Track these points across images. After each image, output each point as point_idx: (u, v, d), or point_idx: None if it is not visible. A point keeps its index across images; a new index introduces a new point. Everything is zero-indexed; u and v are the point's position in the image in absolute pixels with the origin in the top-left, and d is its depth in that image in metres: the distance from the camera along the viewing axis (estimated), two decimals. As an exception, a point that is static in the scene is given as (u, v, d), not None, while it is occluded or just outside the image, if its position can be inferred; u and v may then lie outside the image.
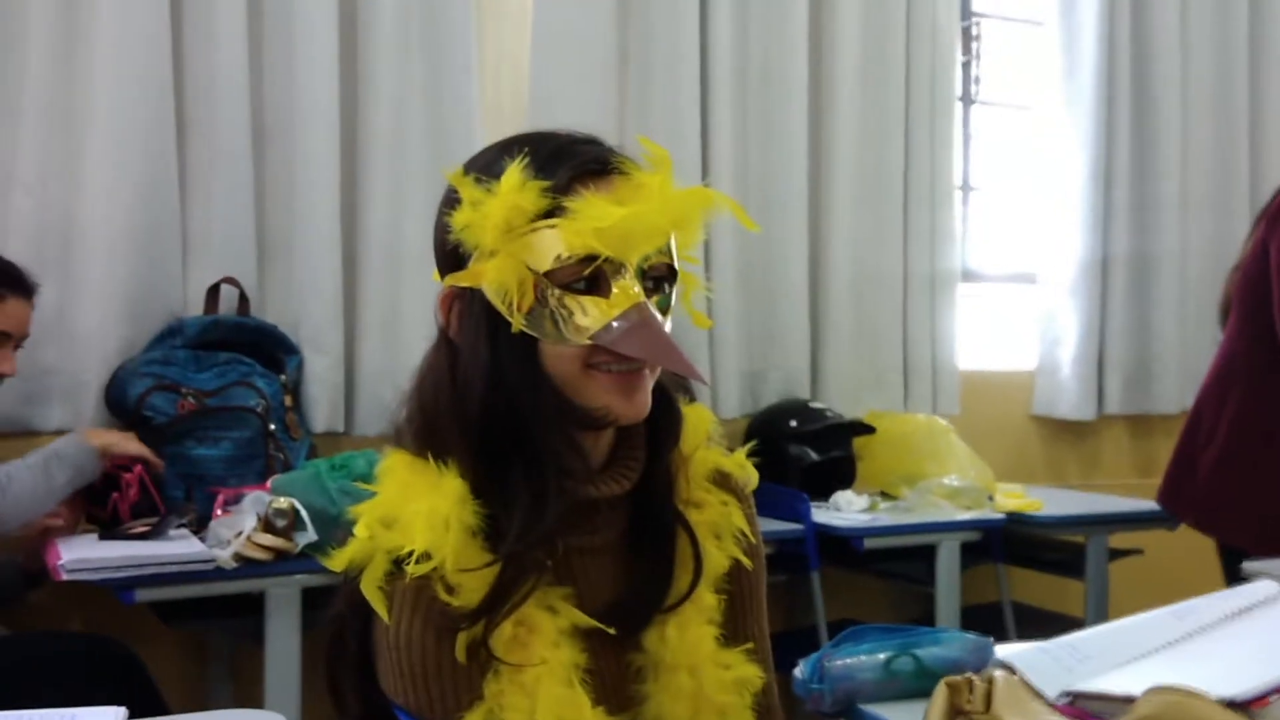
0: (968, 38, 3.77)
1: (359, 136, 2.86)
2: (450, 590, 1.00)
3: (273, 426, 2.61)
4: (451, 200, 1.06)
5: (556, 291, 1.02)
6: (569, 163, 1.04)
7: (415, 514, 1.01)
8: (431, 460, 1.03)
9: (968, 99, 3.78)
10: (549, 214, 1.01)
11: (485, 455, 1.03)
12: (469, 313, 1.05)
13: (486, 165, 1.06)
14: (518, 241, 1.01)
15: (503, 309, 1.02)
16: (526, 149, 1.04)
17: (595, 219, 1.00)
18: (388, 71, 2.85)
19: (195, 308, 2.69)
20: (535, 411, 1.03)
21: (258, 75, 2.76)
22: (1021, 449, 3.67)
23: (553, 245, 1.01)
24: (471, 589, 1.00)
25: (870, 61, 3.40)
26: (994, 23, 3.87)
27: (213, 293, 2.69)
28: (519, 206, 1.01)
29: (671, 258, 1.06)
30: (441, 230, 1.06)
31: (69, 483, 2.22)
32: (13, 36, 2.55)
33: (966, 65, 3.77)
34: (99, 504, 2.33)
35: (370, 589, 1.02)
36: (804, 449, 3.05)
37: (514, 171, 1.02)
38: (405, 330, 2.86)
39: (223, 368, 2.61)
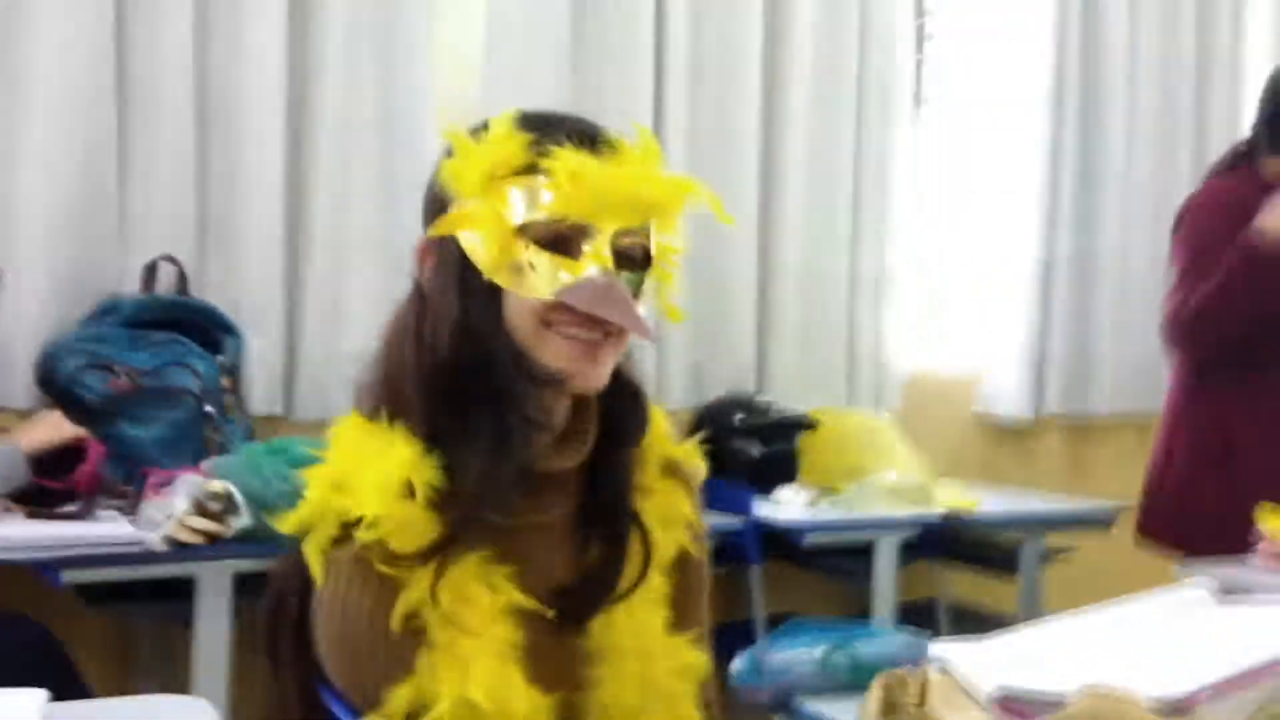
0: (920, 36, 3.79)
1: (306, 118, 2.82)
2: (392, 559, 0.99)
3: (209, 408, 2.56)
4: (442, 158, 1.08)
5: (530, 245, 1.03)
6: (558, 128, 1.06)
7: (365, 478, 1.01)
8: (384, 422, 1.03)
9: (919, 99, 3.80)
10: (532, 169, 1.03)
11: (446, 407, 1.03)
12: (443, 261, 1.06)
13: (482, 125, 1.08)
14: (498, 191, 1.03)
15: (476, 257, 1.03)
16: (523, 114, 1.06)
17: (575, 176, 1.02)
18: (337, 53, 2.81)
19: (132, 286, 2.64)
20: (499, 361, 1.04)
21: (203, 52, 2.70)
22: (962, 448, 3.71)
23: (531, 198, 1.03)
24: (414, 556, 0.99)
25: (823, 58, 3.41)
26: (946, 22, 3.89)
27: (150, 271, 2.64)
28: (503, 156, 1.03)
29: (648, 241, 1.07)
30: (430, 184, 1.09)
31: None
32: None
33: (918, 65, 3.79)
34: (60, 475, 2.25)
35: (313, 553, 1.02)
36: (748, 443, 3.05)
37: (503, 122, 1.04)
38: (349, 315, 2.83)
39: (159, 347, 2.56)
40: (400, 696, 0.98)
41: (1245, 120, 3.81)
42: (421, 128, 2.89)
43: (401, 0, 2.88)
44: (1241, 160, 2.52)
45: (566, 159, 1.02)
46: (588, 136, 1.06)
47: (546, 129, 1.05)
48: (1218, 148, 3.43)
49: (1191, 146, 3.92)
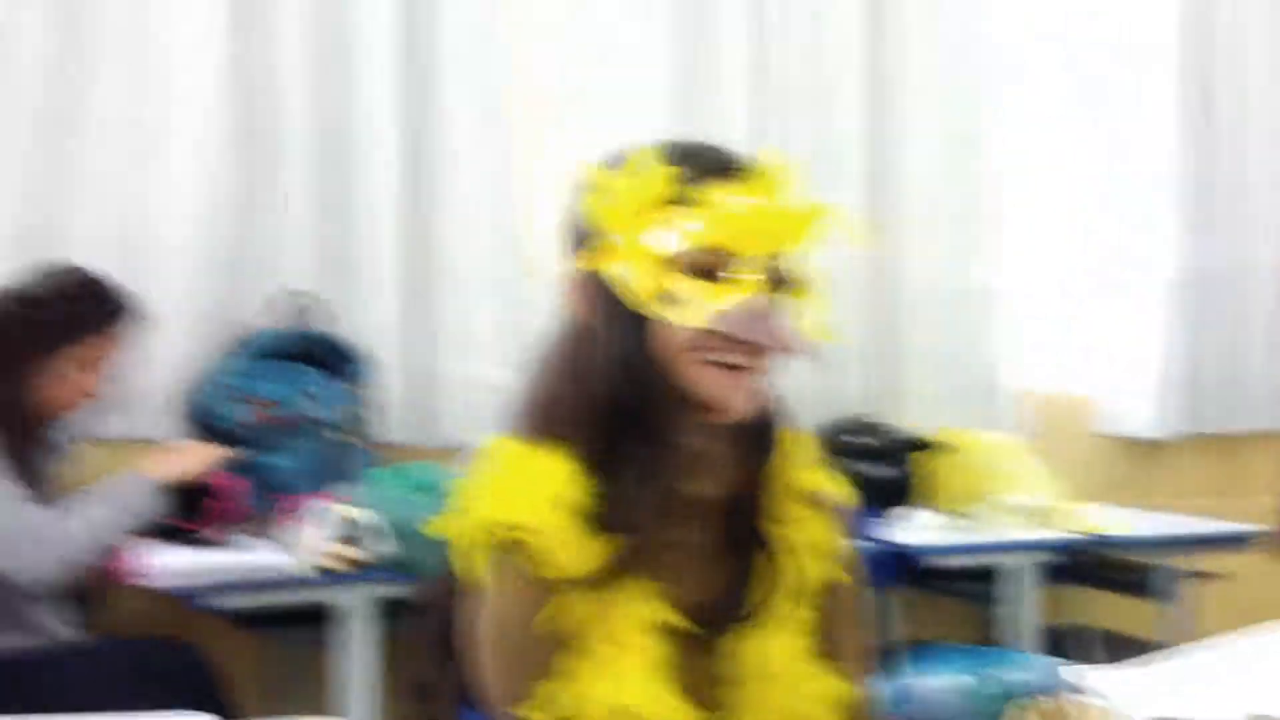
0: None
1: (425, 145, 2.89)
2: (554, 567, 1.02)
3: (342, 437, 2.63)
4: (579, 191, 1.11)
5: (678, 275, 1.05)
6: (701, 157, 1.09)
7: (522, 490, 1.04)
8: (541, 444, 1.06)
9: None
10: (678, 201, 1.05)
11: (601, 436, 1.06)
12: (594, 295, 1.09)
13: (619, 158, 1.10)
14: (645, 225, 1.06)
15: (625, 289, 1.06)
16: (657, 147, 1.09)
17: (723, 206, 1.04)
18: (454, 80, 2.88)
19: (264, 319, 2.72)
20: (653, 392, 1.06)
21: (320, 83, 2.80)
22: (1095, 468, 3.60)
23: (680, 230, 1.05)
24: (570, 566, 1.02)
25: (932, 67, 3.35)
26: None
27: (282, 304, 2.72)
28: (649, 191, 1.06)
29: (788, 266, 1.09)
30: (571, 217, 1.12)
31: (136, 528, 2.17)
32: (85, 47, 2.62)
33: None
34: (191, 515, 2.31)
35: (475, 558, 1.05)
36: (872, 465, 3.02)
37: (646, 155, 1.07)
38: (476, 343, 2.88)
39: (293, 378, 2.64)
40: (551, 697, 1.01)
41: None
42: (536, 145, 2.94)
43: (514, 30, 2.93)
44: None
45: (712, 189, 1.05)
46: (728, 165, 1.08)
47: (688, 160, 1.08)
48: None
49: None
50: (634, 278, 1.06)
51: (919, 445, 3.12)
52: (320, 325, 2.77)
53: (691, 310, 1.05)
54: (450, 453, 2.72)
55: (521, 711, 1.01)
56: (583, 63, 3.05)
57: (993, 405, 3.43)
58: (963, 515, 2.95)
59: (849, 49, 3.27)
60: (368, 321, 2.82)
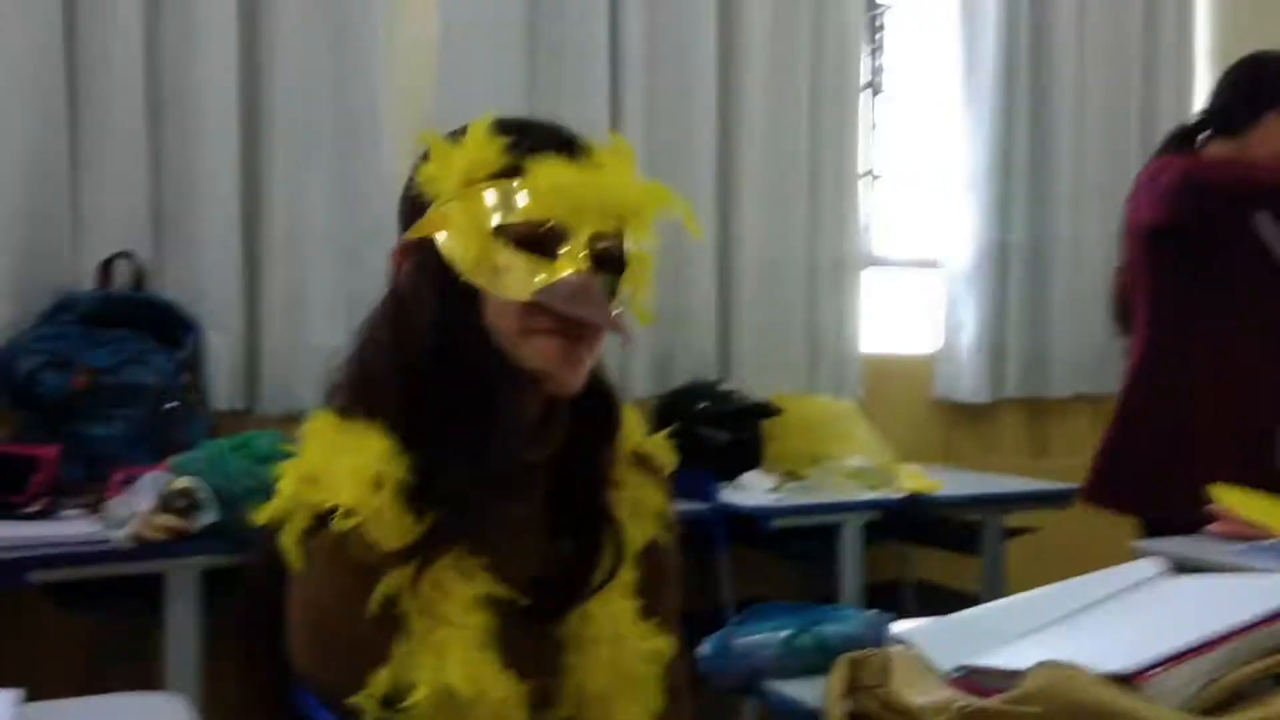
0: (873, 28, 3.82)
1: (261, 112, 2.81)
2: (369, 548, 1.00)
3: (170, 405, 2.54)
4: (418, 161, 1.10)
5: (507, 247, 1.04)
6: (538, 131, 1.08)
7: (340, 470, 1.02)
8: (359, 419, 1.04)
9: (873, 88, 3.83)
10: (509, 172, 1.05)
11: (422, 407, 1.04)
12: (421, 264, 1.08)
13: (460, 130, 1.09)
14: (475, 194, 1.05)
15: (453, 258, 1.05)
16: (500, 120, 1.08)
17: (553, 180, 1.04)
18: (291, 46, 2.81)
19: (88, 283, 2.62)
20: (478, 362, 1.05)
21: (154, 47, 2.69)
22: (922, 431, 3.75)
23: (508, 201, 1.04)
24: (392, 546, 1.00)
25: (778, 49, 3.44)
26: (899, 13, 3.93)
27: (106, 267, 2.62)
28: (481, 159, 1.05)
29: (621, 246, 1.08)
30: (407, 187, 1.10)
31: None
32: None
33: (872, 55, 3.82)
34: (15, 489, 2.22)
35: (289, 543, 1.02)
36: (713, 430, 3.08)
37: (481, 126, 1.06)
38: (310, 309, 2.83)
39: (117, 344, 2.54)
40: (377, 683, 0.99)
41: (1194, 105, 3.90)
42: (376, 121, 2.89)
43: (355, -2, 2.87)
44: (1187, 143, 2.57)
45: (545, 163, 1.04)
46: (564, 141, 1.08)
47: (523, 133, 1.07)
48: (1165, 133, 3.49)
49: (1138, 134, 3.97)
50: (461, 248, 1.05)
51: (760, 410, 3.19)
52: (151, 290, 2.67)
53: (516, 283, 1.04)
54: (285, 421, 2.67)
55: (350, 699, 0.99)
56: (440, 34, 2.99)
57: (829, 370, 3.54)
58: (797, 477, 3.04)
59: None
60: (201, 286, 2.73)
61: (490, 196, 1.05)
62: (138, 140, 2.66)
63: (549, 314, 1.05)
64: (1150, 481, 2.48)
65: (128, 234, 2.65)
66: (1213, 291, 2.44)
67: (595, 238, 1.06)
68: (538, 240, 1.05)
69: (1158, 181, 2.45)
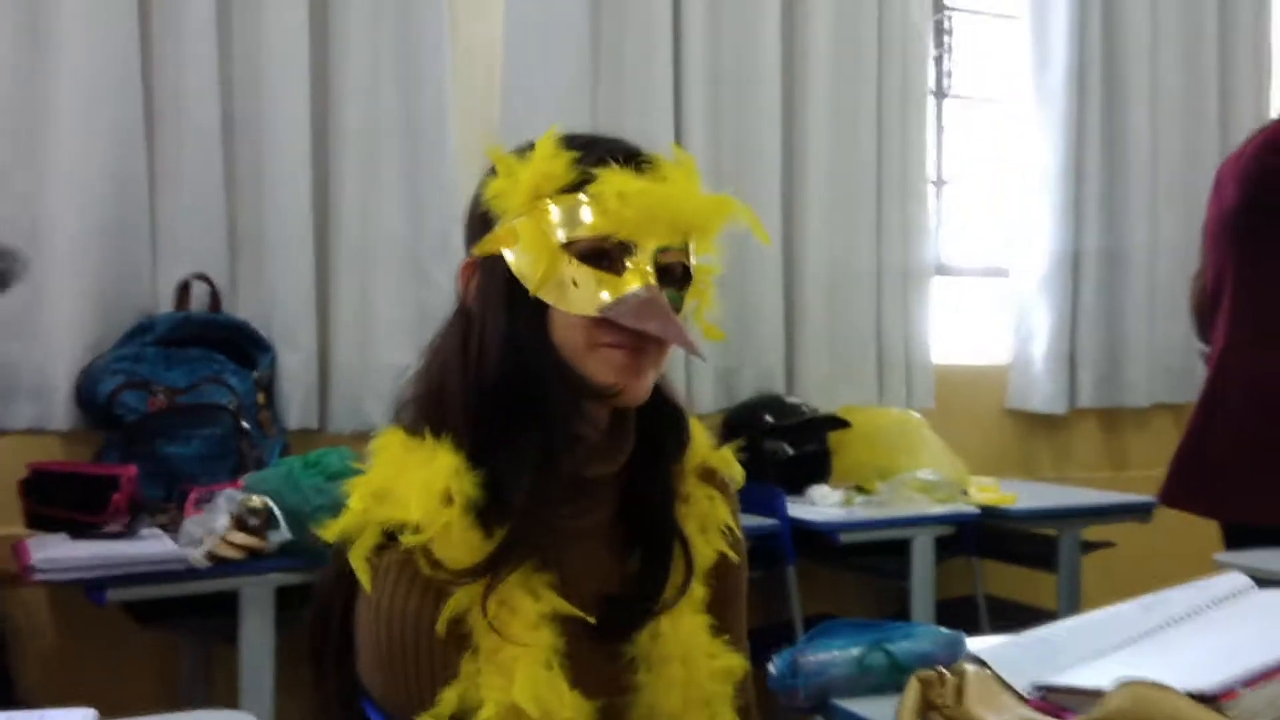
0: (940, 31, 3.78)
1: (330, 129, 2.84)
2: (437, 565, 1.00)
3: (245, 424, 2.59)
4: (485, 177, 1.10)
5: (574, 262, 1.05)
6: (603, 146, 1.08)
7: (409, 487, 1.02)
8: (428, 436, 1.05)
9: (940, 93, 3.79)
10: (577, 187, 1.05)
11: (491, 422, 1.05)
12: (489, 279, 1.08)
13: (527, 145, 1.10)
14: (543, 209, 1.06)
15: (522, 274, 1.05)
16: (565, 136, 1.09)
17: (620, 194, 1.04)
18: (359, 64, 2.84)
19: (166, 304, 2.67)
20: (546, 377, 1.05)
21: (227, 68, 2.73)
22: (995, 442, 3.69)
23: (576, 216, 1.05)
24: (461, 562, 1.01)
25: (843, 55, 3.41)
26: (966, 17, 3.89)
27: (183, 289, 2.67)
28: (549, 174, 1.06)
29: (687, 259, 1.09)
30: (474, 203, 1.11)
31: None
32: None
33: (939, 59, 3.78)
34: (96, 508, 2.27)
35: (358, 560, 1.03)
36: (779, 444, 3.06)
37: (548, 141, 1.07)
38: (379, 326, 2.85)
39: (194, 365, 2.59)
40: (446, 701, 1.00)
41: (1273, 103, 3.79)
42: (444, 134, 2.91)
43: (421, 7, 2.90)
44: None
45: (611, 177, 1.04)
46: (630, 155, 1.08)
47: (590, 147, 1.08)
48: (1242, 135, 3.41)
49: (1216, 136, 3.89)
50: (529, 263, 1.05)
51: (827, 423, 3.16)
52: (226, 310, 2.72)
53: (584, 298, 1.04)
54: (356, 438, 2.70)
55: (418, 717, 0.99)
56: (504, 47, 3.02)
57: (898, 381, 3.49)
58: (866, 491, 3.00)
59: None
60: (273, 305, 2.77)
61: (558, 212, 1.05)
62: (213, 162, 2.71)
63: (616, 328, 1.05)
64: (1230, 482, 2.36)
65: (204, 255, 2.70)
66: None
67: (660, 251, 1.06)
68: (604, 254, 1.05)
69: (1241, 159, 2.37)
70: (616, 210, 1.04)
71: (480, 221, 1.10)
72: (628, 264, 1.05)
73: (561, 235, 1.05)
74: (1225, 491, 2.38)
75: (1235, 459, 2.37)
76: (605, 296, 1.04)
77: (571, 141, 1.08)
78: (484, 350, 1.07)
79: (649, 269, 1.05)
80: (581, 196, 1.05)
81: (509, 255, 1.06)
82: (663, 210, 1.05)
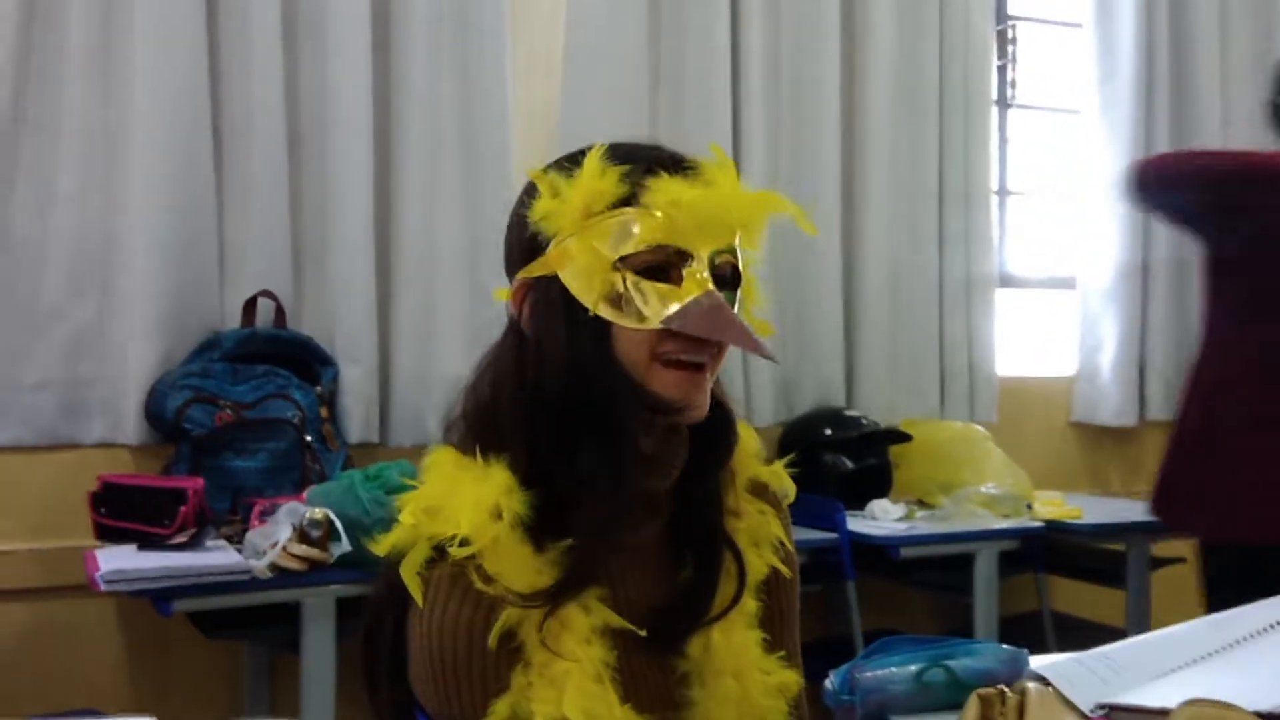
0: (1003, 40, 3.74)
1: (392, 144, 2.87)
2: (488, 580, 1.00)
3: (309, 438, 2.63)
4: (526, 197, 1.10)
5: (631, 277, 1.04)
6: (646, 156, 1.08)
7: (461, 502, 1.03)
8: (479, 455, 1.05)
9: (1003, 102, 3.75)
10: (626, 201, 1.04)
11: (551, 442, 1.05)
12: (545, 300, 1.07)
13: (565, 161, 1.10)
14: (596, 227, 1.04)
15: (579, 293, 1.05)
16: (608, 149, 1.08)
17: (671, 203, 1.03)
18: (420, 78, 2.86)
19: (233, 320, 2.72)
20: (612, 395, 1.05)
21: (292, 84, 2.77)
22: (1061, 456, 3.63)
23: (629, 230, 1.04)
24: (511, 578, 1.01)
25: (904, 65, 3.39)
26: (1030, 25, 3.84)
27: (250, 305, 2.71)
28: (599, 191, 1.04)
29: (737, 259, 1.08)
30: (517, 225, 1.10)
31: None
32: (51, 52, 2.58)
33: (1002, 68, 3.74)
34: (164, 520, 2.30)
35: (409, 574, 1.03)
36: (839, 457, 3.03)
37: (595, 158, 1.06)
38: (440, 340, 2.87)
39: (260, 380, 2.63)
40: (497, 713, 0.99)
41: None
42: (504, 147, 2.93)
43: (482, 22, 2.92)
44: None
45: (661, 187, 1.04)
46: (674, 163, 1.07)
47: (635, 160, 1.07)
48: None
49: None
50: (586, 283, 1.04)
51: (888, 436, 3.13)
52: (290, 326, 2.76)
53: (647, 311, 1.04)
54: (416, 452, 2.72)
55: None
56: (564, 60, 3.04)
57: (960, 393, 3.45)
58: (928, 505, 2.97)
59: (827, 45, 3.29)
60: (335, 320, 2.80)
61: (610, 228, 1.04)
62: (279, 179, 2.75)
63: (680, 339, 1.04)
64: (1186, 498, 2.33)
65: (270, 271, 2.74)
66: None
67: (718, 255, 1.06)
68: (661, 266, 1.04)
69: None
70: (669, 220, 1.03)
71: (530, 243, 1.09)
72: (685, 273, 1.04)
73: (616, 251, 1.04)
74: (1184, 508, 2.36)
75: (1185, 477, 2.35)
76: (668, 308, 1.03)
77: (614, 154, 1.07)
78: (545, 371, 1.06)
79: (706, 275, 1.04)
80: (632, 210, 1.04)
81: (565, 275, 1.06)
82: (713, 214, 1.05)
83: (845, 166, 3.34)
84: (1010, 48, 3.78)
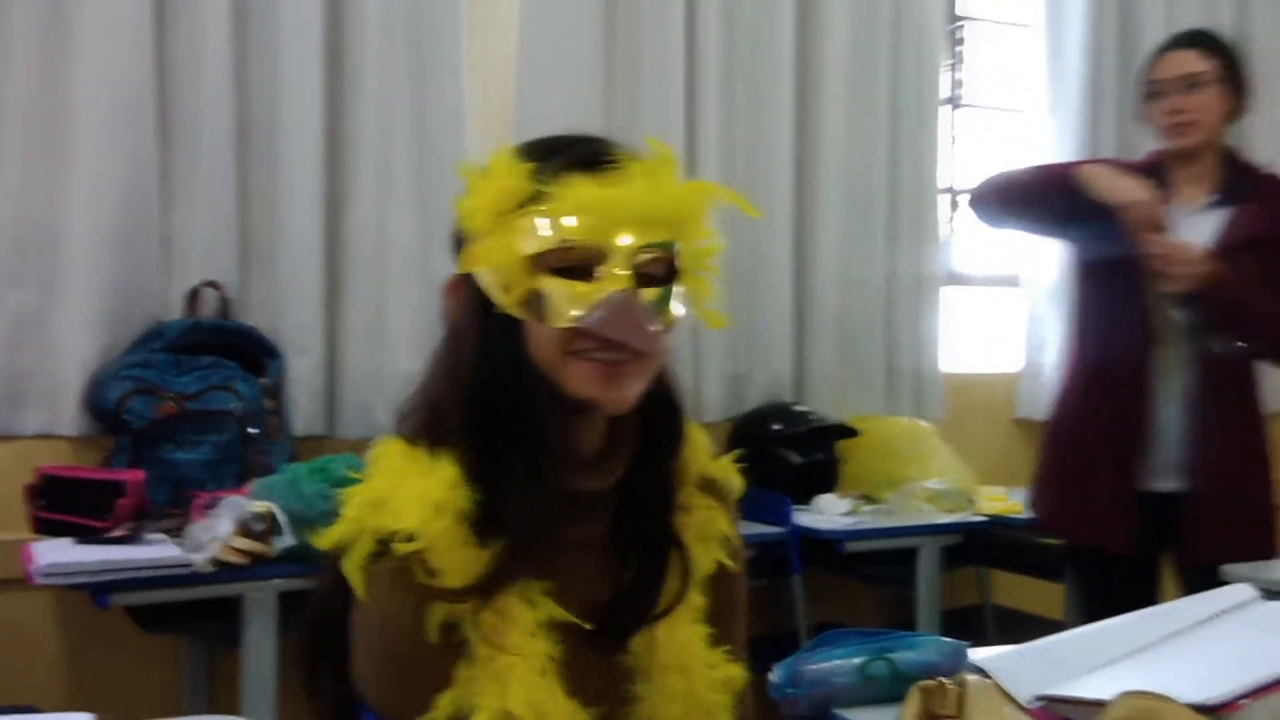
0: (953, 41, 3.77)
1: (343, 138, 2.84)
2: (432, 574, 1.00)
3: (253, 430, 2.59)
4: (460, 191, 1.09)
5: (543, 275, 1.03)
6: (562, 153, 1.06)
7: (405, 496, 1.02)
8: (426, 447, 1.04)
9: (954, 102, 3.78)
10: (537, 199, 1.03)
11: (482, 438, 1.04)
12: (467, 298, 1.07)
13: (516, 154, 1.08)
14: (507, 225, 1.04)
15: (492, 291, 1.04)
16: (528, 144, 1.07)
17: (578, 201, 1.02)
18: (373, 73, 2.84)
19: (176, 311, 2.68)
20: (525, 392, 1.05)
21: (242, 77, 2.74)
22: (1005, 452, 3.67)
23: (537, 228, 1.03)
24: (455, 573, 1.00)
25: (857, 64, 3.41)
26: (980, 26, 3.88)
27: (194, 296, 2.68)
28: (507, 190, 1.04)
29: (670, 255, 1.06)
30: (455, 221, 1.10)
31: None
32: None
33: (952, 68, 3.77)
34: (103, 513, 2.27)
35: (353, 568, 1.02)
36: (787, 452, 3.05)
37: (503, 156, 1.05)
38: (389, 333, 2.85)
39: (203, 371, 2.60)
40: (441, 707, 0.99)
41: (1286, 113, 3.77)
42: (458, 143, 2.91)
43: (436, 18, 2.90)
44: None
45: (568, 185, 1.03)
46: (591, 158, 1.06)
47: (548, 156, 1.06)
48: (1256, 145, 3.39)
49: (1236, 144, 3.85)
50: (497, 281, 1.04)
51: (836, 431, 3.15)
52: (236, 317, 2.72)
53: (554, 309, 1.03)
54: (365, 445, 2.70)
55: None
56: (518, 58, 3.03)
57: (908, 390, 3.48)
58: (874, 500, 2.99)
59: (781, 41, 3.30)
60: (283, 311, 2.77)
61: (519, 226, 1.04)
62: (226, 170, 2.71)
63: (590, 337, 1.04)
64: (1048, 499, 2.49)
65: (215, 262, 2.70)
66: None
67: (638, 251, 1.05)
68: (576, 264, 1.04)
69: None
70: (577, 218, 1.02)
71: (457, 240, 1.09)
72: (600, 270, 1.04)
73: (526, 250, 1.03)
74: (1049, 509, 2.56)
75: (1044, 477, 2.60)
76: (575, 307, 1.03)
77: (531, 152, 1.06)
78: (466, 368, 1.06)
79: (622, 273, 1.03)
80: (540, 209, 1.03)
81: (479, 273, 1.06)
82: (627, 211, 1.03)
83: (798, 164, 3.36)
84: (959, 48, 3.81)
